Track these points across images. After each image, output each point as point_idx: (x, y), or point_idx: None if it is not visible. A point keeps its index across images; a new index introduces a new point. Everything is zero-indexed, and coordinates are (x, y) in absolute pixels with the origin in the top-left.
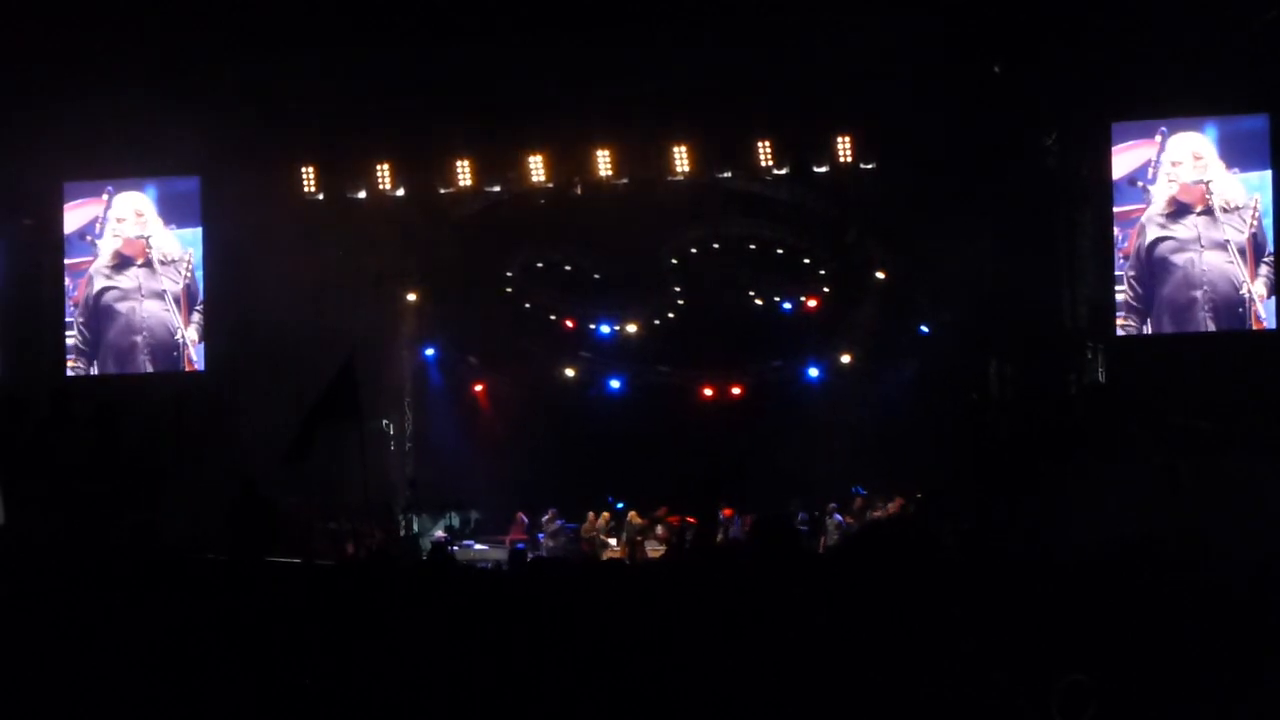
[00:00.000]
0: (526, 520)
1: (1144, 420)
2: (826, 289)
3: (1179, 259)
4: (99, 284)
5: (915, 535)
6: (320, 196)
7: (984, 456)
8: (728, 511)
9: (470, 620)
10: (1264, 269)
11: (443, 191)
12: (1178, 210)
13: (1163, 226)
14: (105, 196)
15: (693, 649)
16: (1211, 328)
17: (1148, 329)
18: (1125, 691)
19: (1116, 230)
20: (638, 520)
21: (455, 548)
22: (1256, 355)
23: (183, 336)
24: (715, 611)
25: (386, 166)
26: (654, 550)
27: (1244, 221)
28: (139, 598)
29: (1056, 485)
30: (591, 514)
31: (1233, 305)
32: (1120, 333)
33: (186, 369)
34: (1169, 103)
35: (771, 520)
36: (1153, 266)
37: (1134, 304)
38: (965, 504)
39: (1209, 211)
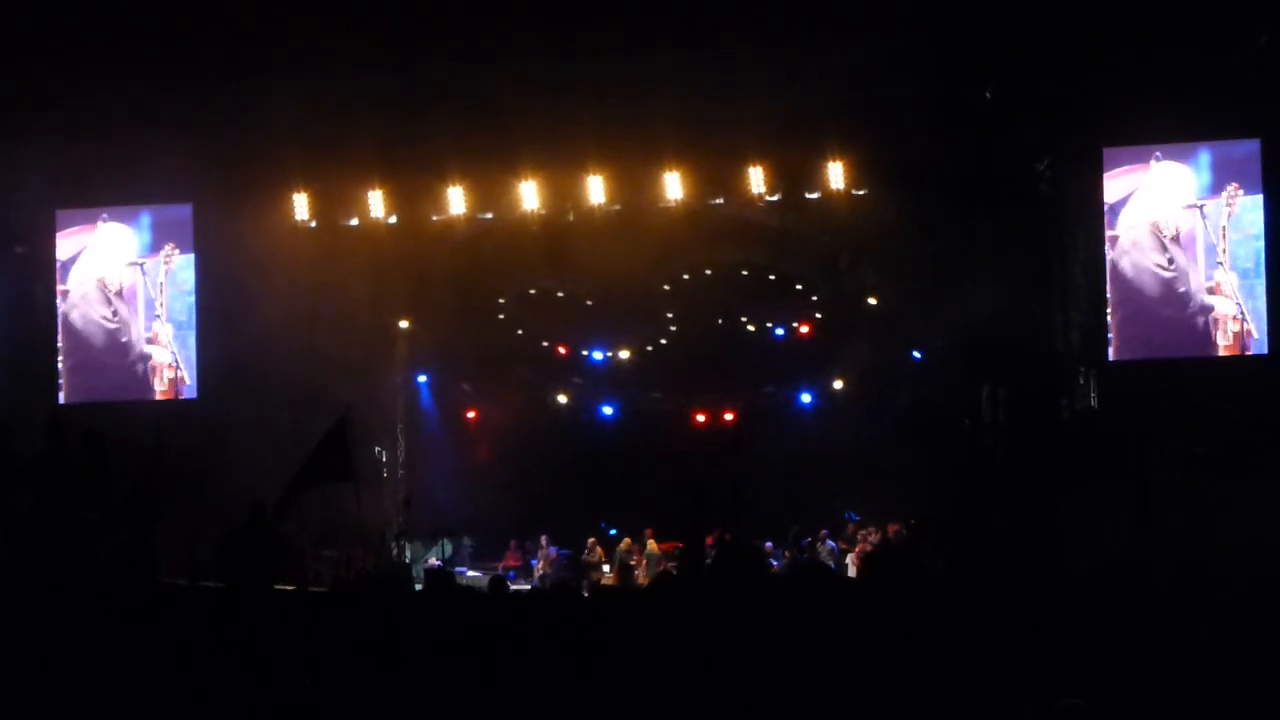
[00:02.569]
0: (518, 547)
1: (1135, 445)
2: (819, 315)
3: (1158, 284)
4: (90, 312)
5: (905, 561)
6: (313, 224)
7: (976, 482)
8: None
9: (459, 646)
10: (1246, 294)
11: (435, 218)
12: (1157, 236)
13: (1144, 252)
14: (98, 225)
15: (675, 676)
16: (1198, 353)
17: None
18: (1116, 712)
19: (1109, 255)
20: (628, 547)
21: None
22: (1250, 380)
23: (177, 363)
24: (694, 639)
25: (379, 193)
26: (644, 577)
27: (1223, 248)
28: (135, 625)
29: (1048, 509)
30: (592, 540)
31: (1211, 331)
32: (1112, 358)
33: (178, 396)
34: (1161, 128)
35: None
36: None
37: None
38: (957, 529)
39: (1177, 239)
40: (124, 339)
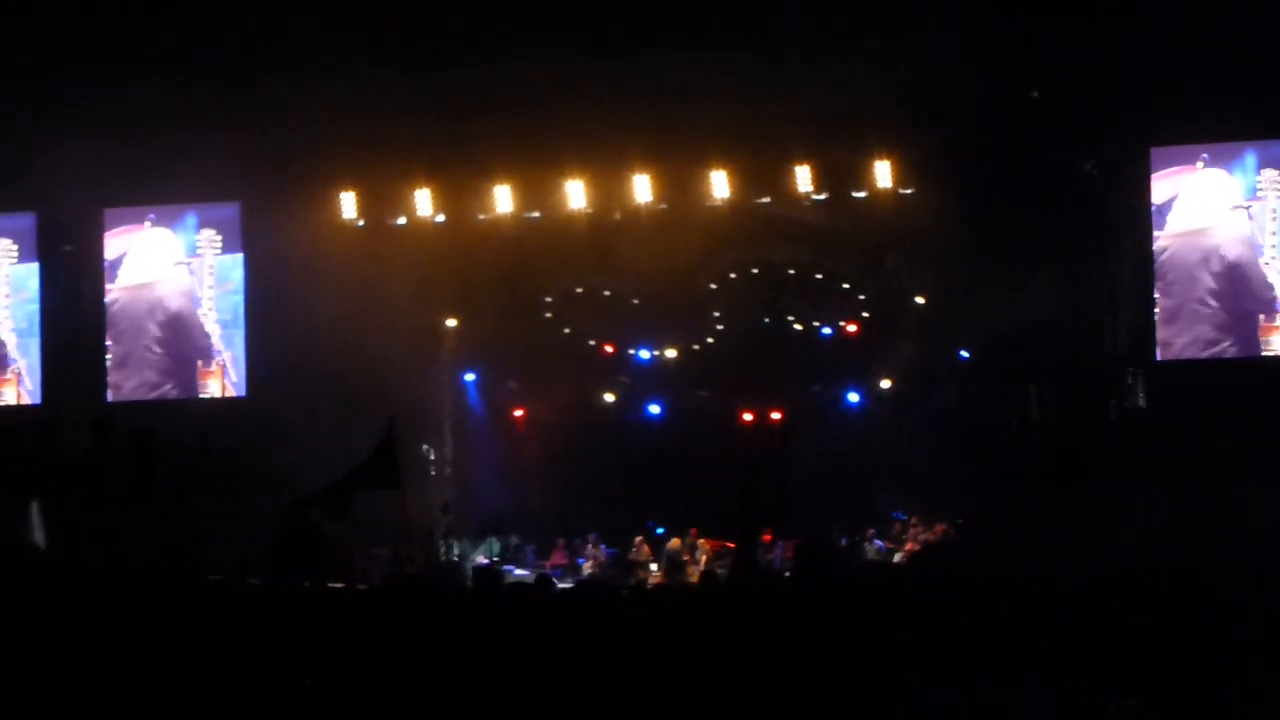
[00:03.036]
0: (566, 545)
1: (1185, 445)
2: (866, 314)
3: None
4: (137, 311)
5: (955, 561)
6: (360, 222)
7: (1023, 482)
8: (767, 536)
9: (507, 647)
10: None
11: (482, 217)
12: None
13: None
14: (145, 224)
15: (729, 677)
16: (1247, 354)
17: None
18: (1167, 715)
19: (1156, 255)
20: (678, 545)
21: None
22: None
23: (224, 362)
24: (756, 638)
25: (426, 192)
26: (694, 575)
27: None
28: (182, 622)
29: (1096, 510)
30: (639, 538)
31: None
32: (1160, 357)
33: (225, 395)
34: (1209, 128)
35: (814, 545)
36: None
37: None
38: (1004, 529)
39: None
40: (171, 338)
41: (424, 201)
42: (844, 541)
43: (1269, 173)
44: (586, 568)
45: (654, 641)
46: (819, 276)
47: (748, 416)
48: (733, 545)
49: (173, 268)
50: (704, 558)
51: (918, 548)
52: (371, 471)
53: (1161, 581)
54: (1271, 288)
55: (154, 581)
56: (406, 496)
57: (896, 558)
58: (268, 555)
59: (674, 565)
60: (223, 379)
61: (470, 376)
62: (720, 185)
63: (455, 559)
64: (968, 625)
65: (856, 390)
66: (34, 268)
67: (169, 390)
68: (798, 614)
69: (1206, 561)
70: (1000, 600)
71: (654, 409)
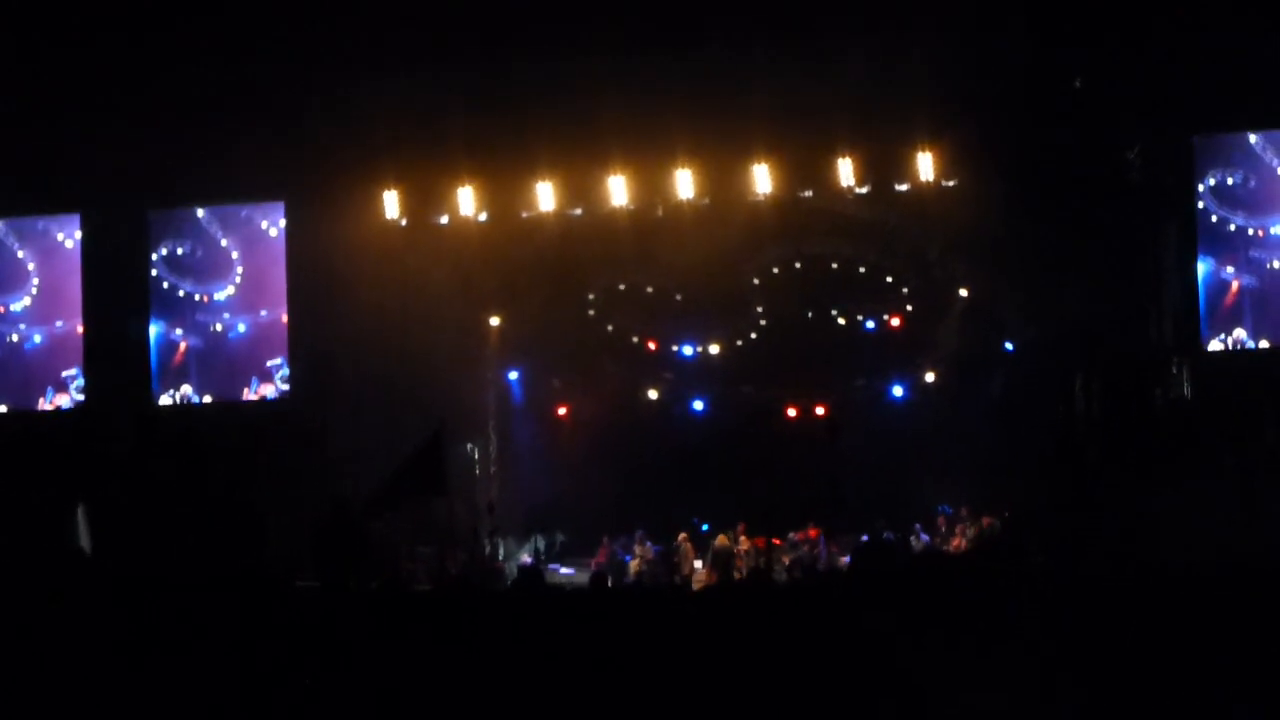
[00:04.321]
0: (611, 542)
1: (1230, 437)
2: (910, 307)
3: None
4: (183, 311)
5: (1005, 554)
6: (403, 221)
7: (1070, 473)
8: (814, 532)
9: (556, 644)
10: None
11: (525, 215)
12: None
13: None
14: (190, 224)
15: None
16: None
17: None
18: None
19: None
20: (725, 543)
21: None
22: None
23: (280, 360)
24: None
25: (469, 190)
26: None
27: None
28: (231, 623)
29: (1143, 501)
30: (682, 535)
31: None
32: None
33: (272, 394)
34: (1253, 116)
35: (874, 546)
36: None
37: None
38: (1053, 522)
39: None
40: (217, 331)
41: (466, 200)
42: (889, 536)
43: None
44: (633, 565)
45: (707, 639)
46: (862, 270)
47: (792, 411)
48: (778, 542)
49: (217, 267)
50: (749, 554)
51: (963, 542)
52: (418, 476)
53: (1223, 572)
54: None
55: (203, 581)
56: (453, 506)
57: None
58: (314, 555)
59: (722, 562)
60: (274, 380)
61: (514, 374)
62: (762, 179)
63: (500, 558)
64: (1022, 618)
65: (901, 383)
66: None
67: (214, 390)
68: (860, 609)
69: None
70: (1054, 593)
71: (698, 405)
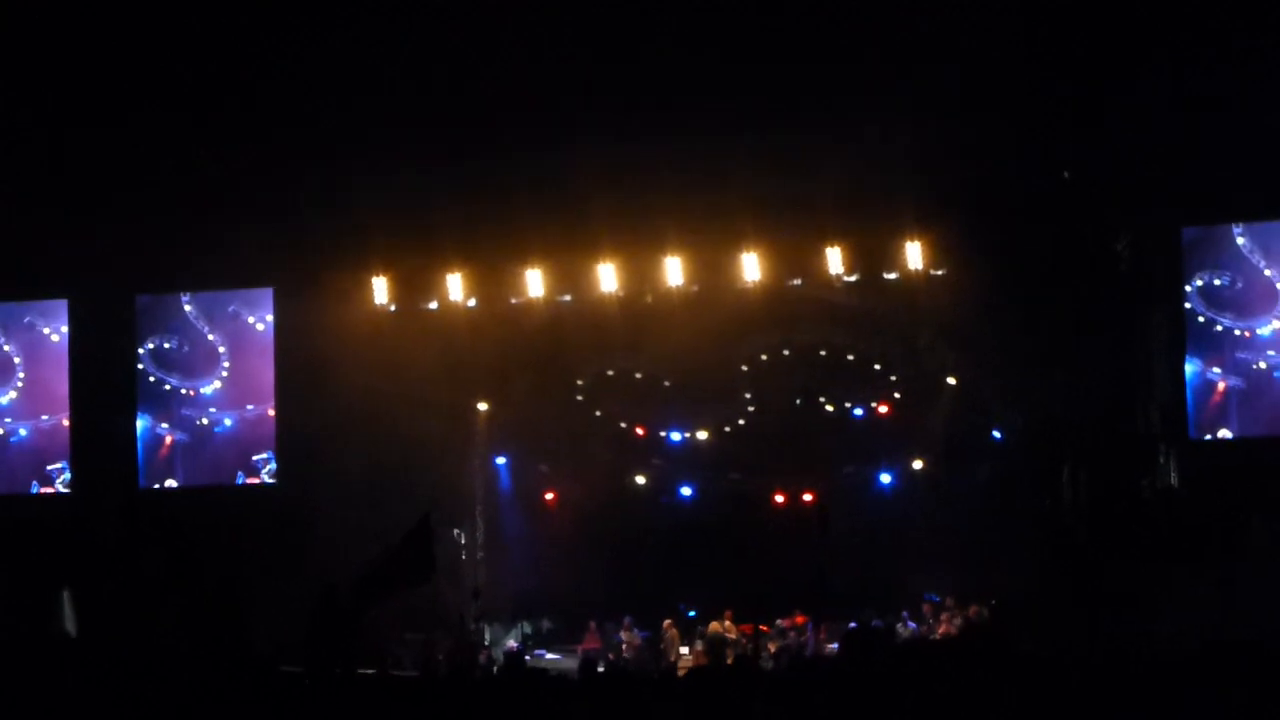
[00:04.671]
0: (598, 628)
1: (1218, 526)
2: (898, 395)
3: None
4: (169, 397)
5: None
6: (392, 307)
7: (1058, 563)
8: (800, 619)
9: None
10: None
11: (514, 301)
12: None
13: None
14: (177, 308)
15: None
16: None
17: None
18: None
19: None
20: (718, 629)
21: (528, 657)
22: None
23: (267, 454)
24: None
25: (458, 276)
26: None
27: None
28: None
29: (1131, 589)
30: (667, 622)
31: None
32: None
33: (260, 482)
34: (1240, 207)
35: (862, 633)
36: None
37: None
38: (1040, 611)
39: None
40: (203, 425)
41: (455, 286)
42: (877, 624)
43: None
44: (622, 650)
45: None
46: (851, 357)
47: (780, 498)
48: (766, 629)
49: (206, 353)
50: (736, 641)
51: (950, 630)
52: (406, 565)
53: (1205, 661)
54: None
55: (192, 668)
56: (439, 584)
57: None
58: (302, 640)
59: (714, 648)
60: (260, 475)
61: (502, 459)
62: (751, 267)
63: (487, 643)
64: (1011, 705)
65: (889, 471)
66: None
67: (201, 477)
68: (849, 696)
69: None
70: (1040, 682)
71: (686, 491)
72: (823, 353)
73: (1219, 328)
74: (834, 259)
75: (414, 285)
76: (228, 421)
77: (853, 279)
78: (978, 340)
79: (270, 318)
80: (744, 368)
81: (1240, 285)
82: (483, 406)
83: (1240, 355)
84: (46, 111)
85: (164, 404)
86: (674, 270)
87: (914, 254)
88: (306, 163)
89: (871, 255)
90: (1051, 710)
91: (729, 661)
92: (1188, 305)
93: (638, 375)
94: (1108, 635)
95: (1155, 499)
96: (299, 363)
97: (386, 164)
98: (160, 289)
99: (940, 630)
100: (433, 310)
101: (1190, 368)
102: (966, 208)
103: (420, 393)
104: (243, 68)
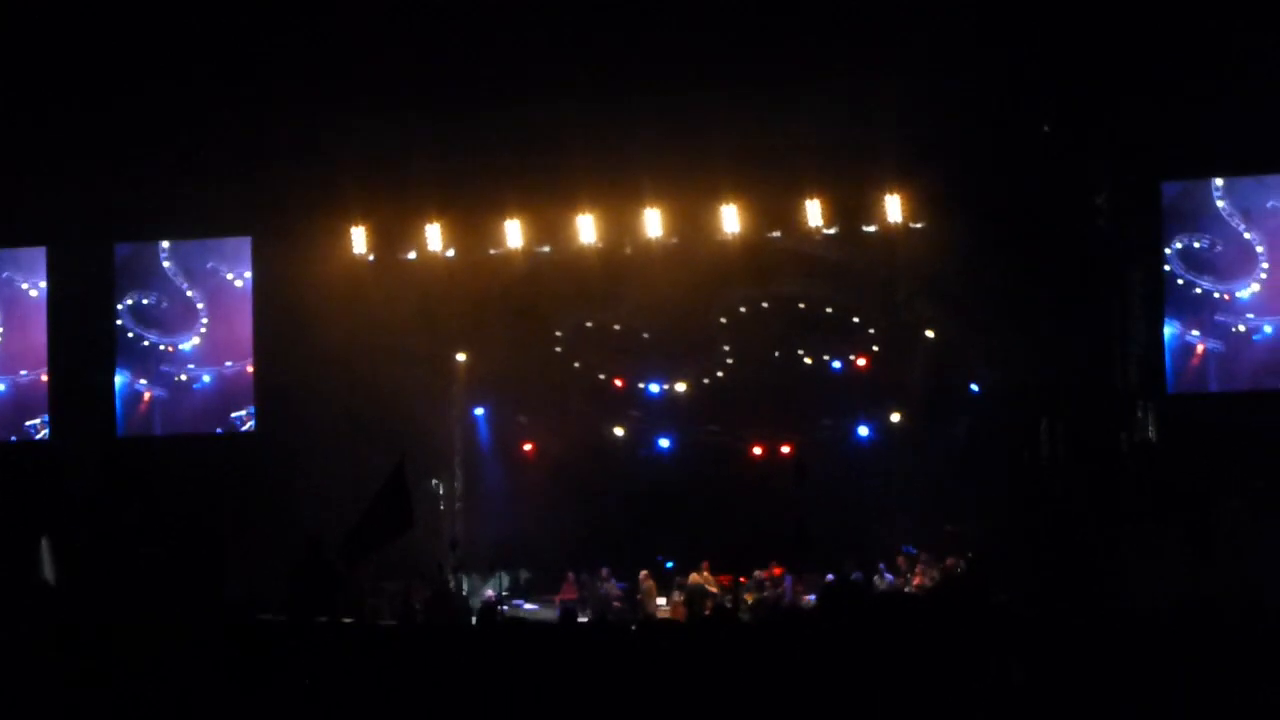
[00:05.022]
0: (576, 580)
1: (1196, 479)
2: (876, 348)
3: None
4: (148, 344)
5: (967, 596)
6: (371, 257)
7: (1036, 516)
8: (778, 570)
9: (520, 679)
10: None
11: (493, 252)
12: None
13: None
14: (156, 258)
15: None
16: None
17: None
18: None
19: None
20: (698, 580)
21: (505, 607)
22: None
23: (246, 410)
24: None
25: (437, 227)
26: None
27: None
28: (197, 656)
29: (1108, 545)
30: (644, 573)
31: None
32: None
33: (236, 419)
34: (1219, 162)
35: (843, 584)
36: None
37: None
38: (1015, 564)
39: None
40: (182, 381)
41: (434, 236)
42: (856, 576)
43: None
44: (596, 602)
45: (674, 674)
46: (829, 310)
47: (758, 450)
48: (743, 580)
49: (184, 302)
50: (713, 591)
51: (925, 581)
52: (387, 517)
53: (1172, 616)
54: None
55: (171, 614)
56: (416, 534)
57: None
58: (284, 590)
59: (695, 599)
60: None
61: (480, 411)
62: (731, 219)
63: (464, 594)
64: (988, 656)
65: (867, 424)
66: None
67: (182, 425)
68: (828, 648)
69: (1216, 597)
70: (1018, 634)
71: (664, 443)
72: (801, 305)
73: (1198, 290)
74: (813, 211)
75: (393, 235)
76: (206, 378)
77: (832, 231)
78: (957, 294)
79: (249, 274)
80: (722, 320)
81: (1220, 248)
82: (461, 357)
83: (1219, 318)
84: (24, 61)
85: (142, 360)
86: (653, 222)
87: (893, 207)
88: (284, 112)
89: (851, 208)
90: (1027, 662)
91: (707, 613)
92: (1167, 268)
93: (616, 327)
94: (1082, 589)
95: (1132, 453)
96: (277, 313)
97: (365, 114)
98: (139, 238)
99: (915, 582)
100: (411, 261)
101: (1169, 330)
102: (947, 161)
103: (399, 343)
104: (221, 16)
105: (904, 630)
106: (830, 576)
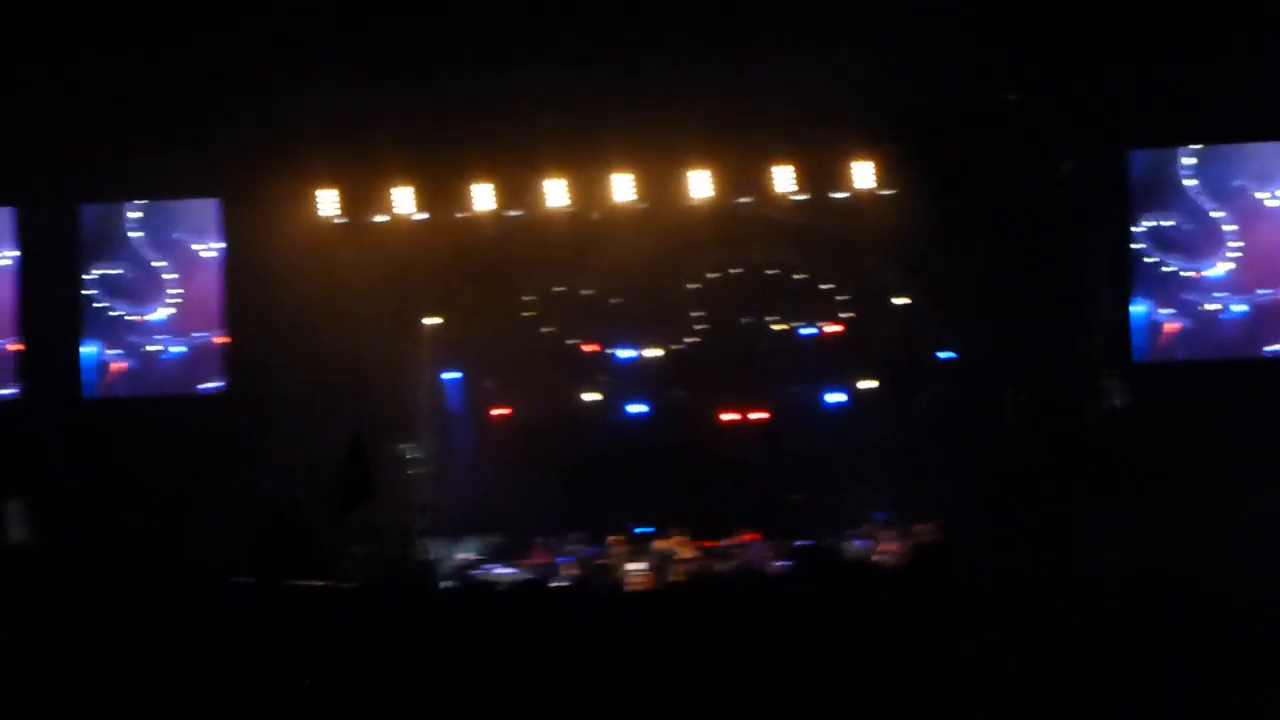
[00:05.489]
0: (546, 544)
1: (1159, 448)
2: (847, 315)
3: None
4: (113, 305)
5: (936, 563)
6: (341, 219)
7: (1001, 484)
8: (749, 537)
9: (489, 645)
10: None
11: (461, 215)
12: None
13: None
14: (122, 218)
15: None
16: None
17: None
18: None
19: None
20: (664, 546)
21: (474, 572)
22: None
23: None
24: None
25: (408, 190)
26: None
27: None
28: (167, 619)
29: (1074, 512)
30: (614, 538)
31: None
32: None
33: (204, 390)
34: (1188, 130)
35: (813, 548)
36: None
37: None
38: (985, 531)
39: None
40: (148, 332)
41: (405, 199)
42: (830, 541)
43: None
44: (567, 567)
45: (645, 642)
46: (800, 277)
47: (728, 417)
48: (713, 545)
49: (150, 262)
50: (687, 557)
51: (894, 547)
52: (350, 490)
53: (1146, 584)
54: None
55: (140, 576)
56: (380, 499)
57: (873, 559)
58: (253, 552)
59: (663, 565)
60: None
61: (450, 375)
62: (700, 185)
63: (431, 559)
64: (959, 625)
65: (837, 391)
66: None
67: (147, 386)
68: (800, 614)
69: (1188, 562)
70: (992, 601)
71: (634, 409)
72: (771, 272)
73: (1166, 269)
74: (782, 177)
75: (362, 198)
76: (174, 350)
77: (802, 198)
78: (925, 261)
79: (217, 245)
80: (692, 286)
81: (1188, 228)
82: (431, 321)
83: (1187, 297)
84: None
85: (110, 330)
86: (622, 187)
87: (863, 174)
88: (252, 73)
89: (820, 174)
90: (996, 628)
91: (678, 578)
92: (1135, 246)
93: (585, 292)
94: (1049, 558)
95: (1099, 423)
96: (246, 276)
97: (333, 77)
98: (105, 198)
99: (883, 548)
100: (382, 223)
101: (1137, 309)
102: (915, 128)
103: (367, 307)
104: None
105: (875, 596)
106: (798, 543)
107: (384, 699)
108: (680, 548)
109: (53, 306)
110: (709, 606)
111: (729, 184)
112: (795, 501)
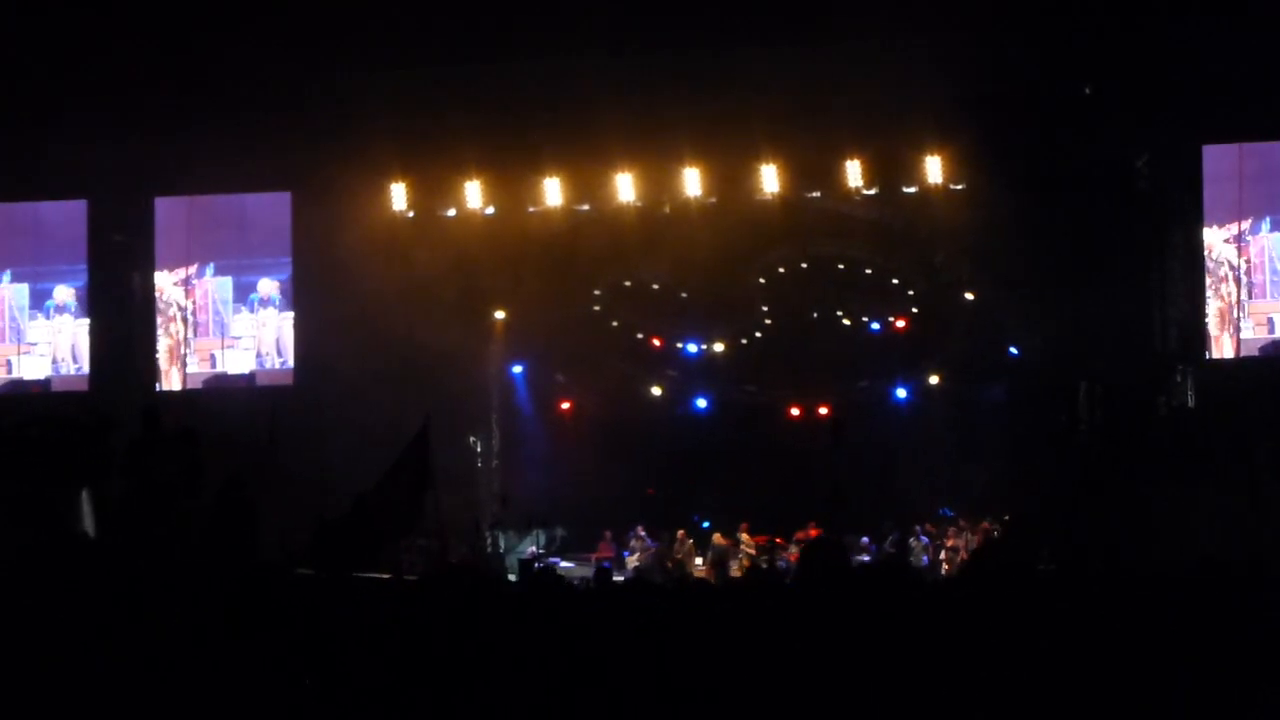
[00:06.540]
0: (612, 538)
1: (1232, 444)
2: (915, 310)
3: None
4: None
5: (1004, 559)
6: (410, 214)
7: (1073, 479)
8: (815, 532)
9: (557, 638)
10: None
11: (531, 210)
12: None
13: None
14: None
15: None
16: None
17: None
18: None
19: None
20: (722, 541)
21: (540, 565)
22: None
23: (277, 351)
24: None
25: (476, 184)
26: (737, 571)
27: None
28: (232, 613)
29: (1144, 506)
30: (681, 532)
31: None
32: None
33: (276, 383)
34: (1263, 127)
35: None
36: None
37: None
38: (1053, 527)
39: None
40: (222, 327)
41: (474, 193)
42: (894, 537)
43: None
44: (631, 561)
45: (696, 636)
46: (868, 271)
47: (795, 411)
48: (780, 541)
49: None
50: (750, 553)
51: (958, 544)
52: (410, 472)
53: (1196, 574)
54: None
55: (204, 569)
56: (439, 494)
57: (942, 555)
58: (316, 544)
59: (719, 560)
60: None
61: (518, 369)
62: (770, 179)
63: (500, 551)
64: (1024, 624)
65: (905, 386)
66: None
67: (220, 379)
68: (806, 612)
69: (1242, 557)
70: (1058, 598)
71: (701, 403)
72: (840, 266)
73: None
74: (853, 172)
75: (432, 192)
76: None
77: (871, 192)
78: (996, 256)
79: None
80: (761, 280)
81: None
82: (500, 315)
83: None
84: (69, 17)
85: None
86: (692, 181)
87: (933, 168)
88: (325, 68)
89: (890, 168)
90: (1063, 624)
91: (737, 573)
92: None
93: (654, 286)
94: (1119, 551)
95: (1171, 416)
96: (316, 270)
97: (405, 70)
98: (179, 192)
99: (949, 543)
100: (451, 217)
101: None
102: (987, 122)
103: (437, 300)
104: None
105: (890, 606)
106: (865, 539)
107: (444, 692)
108: (746, 543)
109: (126, 299)
110: (768, 603)
111: (799, 178)
112: (859, 497)
